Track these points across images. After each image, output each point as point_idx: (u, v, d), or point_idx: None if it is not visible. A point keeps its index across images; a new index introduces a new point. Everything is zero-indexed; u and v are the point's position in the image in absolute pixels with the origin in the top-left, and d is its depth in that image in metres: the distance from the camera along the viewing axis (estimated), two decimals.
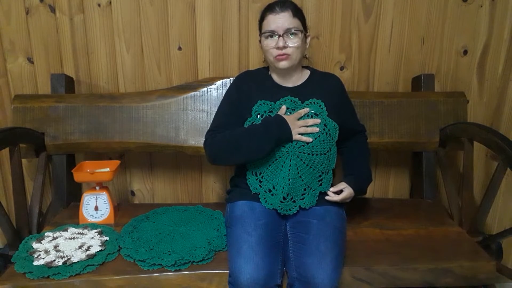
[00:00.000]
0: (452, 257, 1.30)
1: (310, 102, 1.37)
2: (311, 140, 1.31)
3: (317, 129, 1.32)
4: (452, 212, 1.61)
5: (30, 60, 1.72)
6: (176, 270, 1.23)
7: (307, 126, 1.32)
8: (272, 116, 1.33)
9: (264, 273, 1.15)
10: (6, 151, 1.46)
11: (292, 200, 1.33)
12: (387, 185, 1.91)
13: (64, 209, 1.63)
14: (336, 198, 1.36)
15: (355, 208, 1.59)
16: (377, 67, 1.77)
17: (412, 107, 1.66)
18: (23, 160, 1.61)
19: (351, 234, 1.41)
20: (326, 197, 1.36)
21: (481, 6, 1.72)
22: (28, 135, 1.54)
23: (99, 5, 1.67)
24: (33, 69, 1.73)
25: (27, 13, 1.67)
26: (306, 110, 1.34)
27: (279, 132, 1.30)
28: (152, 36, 1.71)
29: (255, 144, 1.29)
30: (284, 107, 1.35)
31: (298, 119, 1.33)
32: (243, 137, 1.31)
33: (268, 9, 1.35)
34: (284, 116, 1.32)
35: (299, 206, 1.34)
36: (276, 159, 1.32)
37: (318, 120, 1.32)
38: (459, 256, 1.30)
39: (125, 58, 1.73)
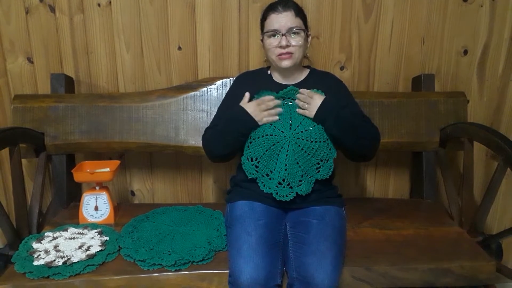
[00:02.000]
0: (452, 257, 1.30)
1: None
2: (277, 118, 1.33)
3: (280, 109, 1.34)
4: (452, 212, 1.61)
5: (30, 60, 1.72)
6: (176, 270, 1.23)
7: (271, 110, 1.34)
8: (235, 109, 1.36)
9: (264, 273, 1.15)
10: (6, 151, 1.46)
11: (289, 186, 1.33)
12: (387, 185, 1.91)
13: (64, 209, 1.63)
14: (305, 91, 1.35)
15: (355, 208, 1.59)
16: (377, 67, 1.77)
17: (412, 107, 1.66)
18: (23, 160, 1.61)
19: (351, 234, 1.41)
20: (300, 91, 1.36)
21: (481, 6, 1.71)
22: (28, 135, 1.54)
23: (99, 5, 1.67)
24: (33, 69, 1.73)
25: (27, 13, 1.67)
26: (270, 97, 1.34)
27: (243, 126, 1.34)
28: (152, 36, 1.71)
29: (226, 140, 1.37)
30: (247, 94, 1.36)
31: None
32: (220, 132, 1.38)
33: (271, 8, 1.36)
34: (246, 105, 1.34)
35: (296, 192, 1.33)
36: (274, 144, 1.32)
37: (278, 101, 1.34)
38: (459, 256, 1.30)
39: (125, 58, 1.73)
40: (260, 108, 1.33)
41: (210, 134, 1.43)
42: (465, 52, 1.77)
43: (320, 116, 1.31)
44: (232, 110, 1.37)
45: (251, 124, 1.33)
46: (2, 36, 1.69)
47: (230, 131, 1.36)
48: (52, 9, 1.67)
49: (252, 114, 1.33)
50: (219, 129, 1.39)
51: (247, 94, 1.37)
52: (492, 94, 1.81)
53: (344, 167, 1.85)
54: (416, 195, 1.78)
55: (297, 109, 1.35)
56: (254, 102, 1.34)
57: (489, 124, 1.83)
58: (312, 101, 1.33)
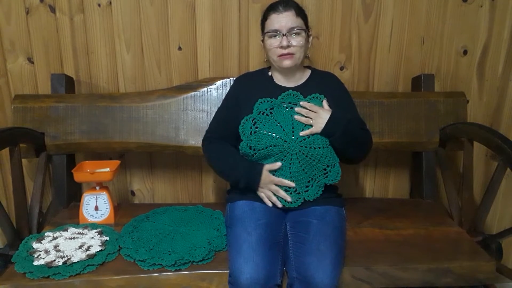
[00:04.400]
0: (452, 257, 1.30)
1: (313, 97, 1.38)
2: (270, 204, 1.34)
3: (279, 204, 1.34)
4: (452, 212, 1.61)
5: (30, 60, 1.72)
6: (176, 270, 1.23)
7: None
8: (258, 164, 1.34)
9: (264, 273, 1.15)
10: (6, 151, 1.46)
11: (296, 192, 1.33)
12: (387, 185, 1.91)
13: (64, 209, 1.63)
14: (306, 104, 1.33)
15: (355, 208, 1.59)
16: (377, 67, 1.77)
17: (412, 107, 1.66)
18: (23, 160, 1.61)
19: (351, 234, 1.41)
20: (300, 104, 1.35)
21: (481, 6, 1.72)
22: (28, 135, 1.54)
23: (99, 5, 1.67)
24: (33, 69, 1.73)
25: (27, 13, 1.67)
26: (291, 184, 1.32)
27: (247, 182, 1.34)
28: (152, 36, 1.71)
29: (230, 177, 1.39)
30: (279, 164, 1.32)
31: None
32: (226, 164, 1.39)
33: (271, 9, 1.36)
34: (265, 173, 1.32)
35: (303, 198, 1.33)
36: (277, 154, 1.32)
37: (288, 198, 1.33)
38: (459, 256, 1.30)
39: (125, 58, 1.73)
40: (271, 187, 1.33)
41: (213, 151, 1.43)
42: (465, 52, 1.77)
43: (328, 131, 1.31)
44: (255, 166, 1.35)
45: (252, 186, 1.35)
46: (3, 36, 1.69)
47: (235, 174, 1.36)
48: (53, 9, 1.67)
49: (261, 183, 1.33)
50: (227, 158, 1.39)
51: (279, 164, 1.32)
52: (492, 94, 1.81)
53: (344, 167, 1.83)
54: (416, 195, 1.78)
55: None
56: (272, 179, 1.32)
57: (489, 124, 1.83)
58: (317, 116, 1.31)
